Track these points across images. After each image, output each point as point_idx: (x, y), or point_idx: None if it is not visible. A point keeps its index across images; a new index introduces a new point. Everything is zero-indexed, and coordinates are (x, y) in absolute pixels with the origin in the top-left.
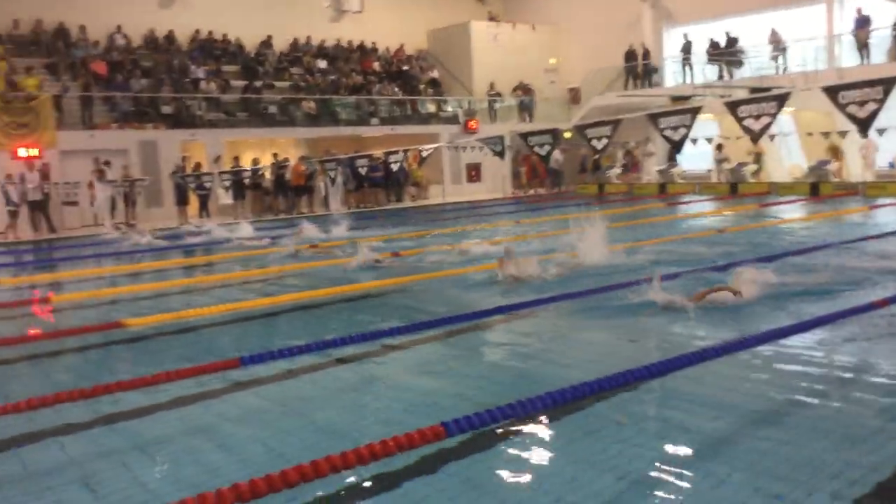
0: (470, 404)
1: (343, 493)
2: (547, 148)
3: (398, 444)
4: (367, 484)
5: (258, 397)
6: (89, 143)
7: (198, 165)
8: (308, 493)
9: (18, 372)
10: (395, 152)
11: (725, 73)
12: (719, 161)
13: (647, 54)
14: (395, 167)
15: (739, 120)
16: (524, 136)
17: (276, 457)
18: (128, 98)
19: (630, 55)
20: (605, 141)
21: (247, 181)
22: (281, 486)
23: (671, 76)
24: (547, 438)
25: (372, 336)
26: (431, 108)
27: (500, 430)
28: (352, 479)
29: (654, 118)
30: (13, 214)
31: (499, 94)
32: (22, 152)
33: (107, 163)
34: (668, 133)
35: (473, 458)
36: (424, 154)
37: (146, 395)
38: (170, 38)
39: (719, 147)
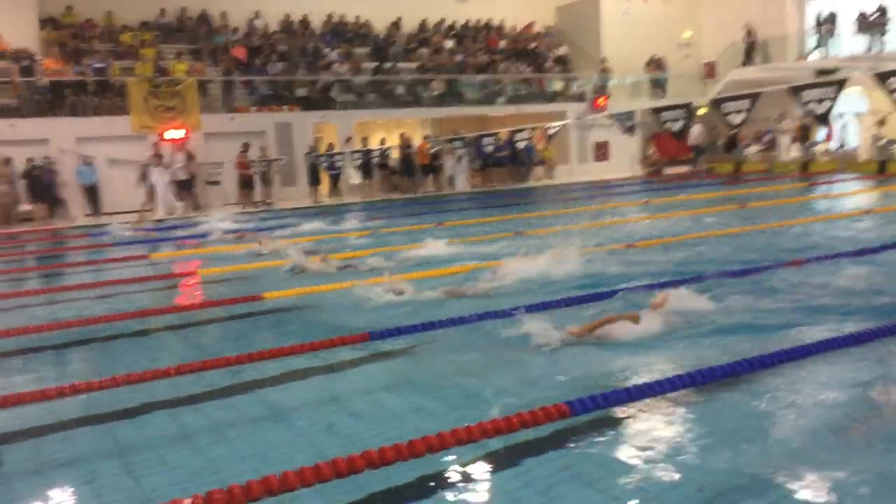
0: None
1: (464, 467)
2: (680, 123)
3: (522, 421)
4: (490, 460)
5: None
6: (230, 126)
7: (330, 146)
8: (434, 465)
9: (166, 340)
10: (521, 130)
11: (875, 45)
12: (877, 137)
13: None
14: (520, 145)
15: (889, 92)
16: (656, 111)
17: (404, 427)
18: (265, 81)
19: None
20: (743, 115)
21: (375, 160)
22: (408, 456)
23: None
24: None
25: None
26: (558, 86)
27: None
28: (475, 453)
29: (796, 91)
30: (152, 195)
31: (604, 71)
32: (169, 134)
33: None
34: (811, 107)
35: (596, 438)
36: (551, 132)
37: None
38: (304, 22)
39: (882, 122)
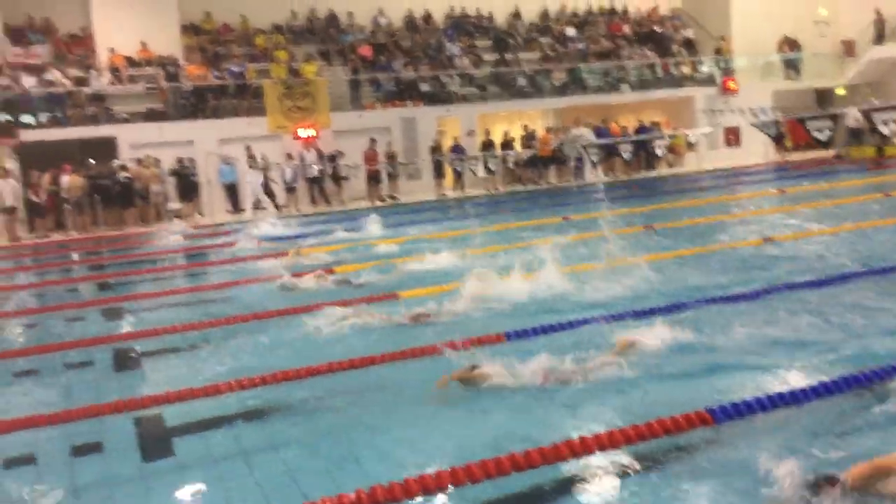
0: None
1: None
2: (827, 133)
3: (664, 427)
4: (626, 462)
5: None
6: (358, 123)
7: (455, 140)
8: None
9: (313, 339)
10: (661, 137)
11: None
12: None
13: None
14: (659, 152)
15: None
16: (800, 120)
17: (547, 430)
18: (390, 78)
19: None
20: (894, 126)
21: (511, 165)
22: (553, 460)
23: None
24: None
25: None
26: (685, 69)
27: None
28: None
29: None
30: (291, 190)
31: (718, 51)
32: (301, 133)
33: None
34: None
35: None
36: (692, 139)
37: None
38: (426, 18)
39: None
